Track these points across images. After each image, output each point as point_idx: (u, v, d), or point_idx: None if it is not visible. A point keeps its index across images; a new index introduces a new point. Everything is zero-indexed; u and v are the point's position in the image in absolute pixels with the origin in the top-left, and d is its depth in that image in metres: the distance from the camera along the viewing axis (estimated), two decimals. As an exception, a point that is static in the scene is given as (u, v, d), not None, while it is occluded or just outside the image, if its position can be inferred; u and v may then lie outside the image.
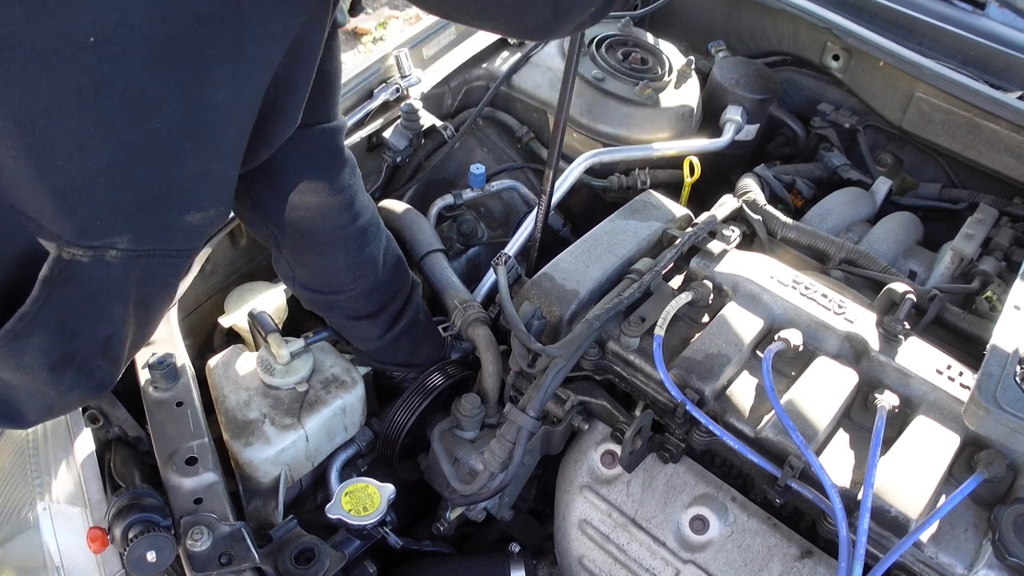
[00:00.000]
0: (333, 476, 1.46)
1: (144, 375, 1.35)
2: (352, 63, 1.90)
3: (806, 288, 1.40)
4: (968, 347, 1.41)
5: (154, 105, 0.81)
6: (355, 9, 0.98)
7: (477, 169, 1.86)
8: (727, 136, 1.97)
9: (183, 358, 1.39)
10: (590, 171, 1.86)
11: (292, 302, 1.67)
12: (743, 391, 1.29)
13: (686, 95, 1.99)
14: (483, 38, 2.09)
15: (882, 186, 1.92)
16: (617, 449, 1.36)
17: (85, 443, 1.28)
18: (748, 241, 1.63)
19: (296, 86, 1.00)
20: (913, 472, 1.16)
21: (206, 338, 1.73)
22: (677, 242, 1.48)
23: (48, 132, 0.79)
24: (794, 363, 1.34)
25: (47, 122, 0.78)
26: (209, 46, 0.81)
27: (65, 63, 0.75)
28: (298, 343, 1.42)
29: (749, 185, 1.75)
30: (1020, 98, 1.87)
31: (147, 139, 0.84)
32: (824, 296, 1.39)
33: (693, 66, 2.03)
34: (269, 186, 1.19)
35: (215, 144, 0.91)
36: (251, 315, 1.47)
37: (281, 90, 0.96)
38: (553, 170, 1.53)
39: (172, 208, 0.93)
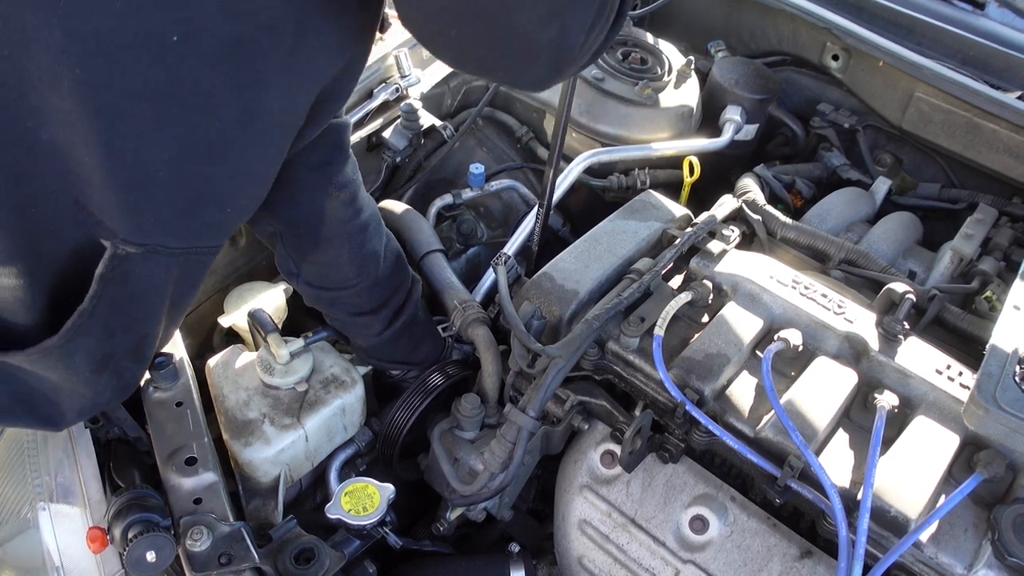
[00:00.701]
0: (333, 476, 1.46)
1: (144, 375, 1.35)
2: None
3: (806, 288, 1.40)
4: (968, 347, 1.41)
5: (215, 104, 0.84)
6: (383, 26, 1.00)
7: (476, 169, 1.86)
8: (727, 136, 1.97)
9: (183, 358, 1.39)
10: (589, 171, 1.86)
11: (292, 302, 1.67)
12: (743, 391, 1.29)
13: (686, 95, 1.99)
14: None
15: (882, 186, 1.92)
16: (617, 449, 1.36)
17: (85, 443, 1.28)
18: (748, 241, 1.63)
19: (337, 98, 1.04)
20: (913, 472, 1.16)
21: (206, 338, 1.73)
22: (677, 242, 1.48)
23: (121, 126, 0.81)
24: (794, 363, 1.34)
25: (120, 116, 0.81)
26: (271, 53, 0.84)
27: (147, 60, 0.78)
28: (298, 343, 1.42)
29: (749, 185, 1.75)
30: (1020, 98, 1.87)
31: (204, 137, 0.87)
32: (824, 296, 1.39)
33: (693, 66, 2.03)
34: (278, 180, 1.21)
35: (263, 146, 0.94)
36: (251, 315, 1.47)
37: (324, 100, 0.98)
38: (554, 170, 1.53)
39: (215, 206, 0.96)
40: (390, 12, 1.00)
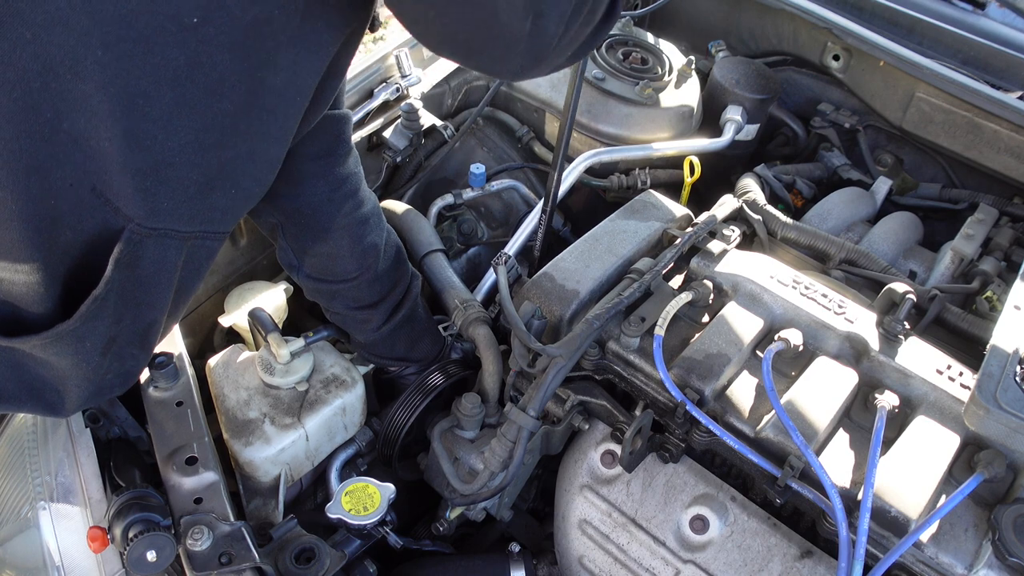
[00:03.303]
0: (333, 475, 1.46)
1: (144, 375, 1.35)
2: (352, 62, 1.89)
3: (806, 288, 1.40)
4: (968, 347, 1.42)
5: (227, 86, 0.85)
6: (374, 25, 1.00)
7: (477, 169, 1.86)
8: (727, 136, 1.97)
9: (183, 357, 1.39)
10: (590, 171, 1.86)
11: (292, 301, 1.67)
12: (743, 391, 1.29)
13: (686, 95, 1.99)
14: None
15: (882, 186, 1.93)
16: (617, 449, 1.36)
17: (85, 443, 1.28)
18: (748, 241, 1.63)
19: (336, 76, 1.04)
20: (913, 472, 1.16)
21: (206, 338, 1.73)
22: (677, 242, 1.48)
23: (143, 111, 0.82)
24: (794, 363, 1.34)
25: (144, 101, 0.81)
26: (282, 32, 0.85)
27: (170, 42, 0.78)
28: (298, 342, 1.42)
29: (749, 185, 1.75)
30: (1020, 98, 1.87)
31: (215, 119, 0.87)
32: (824, 296, 1.39)
33: (693, 66, 2.03)
34: (280, 172, 1.21)
35: (268, 126, 0.95)
36: (251, 314, 1.47)
37: (327, 78, 0.99)
38: (558, 172, 1.53)
39: (223, 188, 0.97)
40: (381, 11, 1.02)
